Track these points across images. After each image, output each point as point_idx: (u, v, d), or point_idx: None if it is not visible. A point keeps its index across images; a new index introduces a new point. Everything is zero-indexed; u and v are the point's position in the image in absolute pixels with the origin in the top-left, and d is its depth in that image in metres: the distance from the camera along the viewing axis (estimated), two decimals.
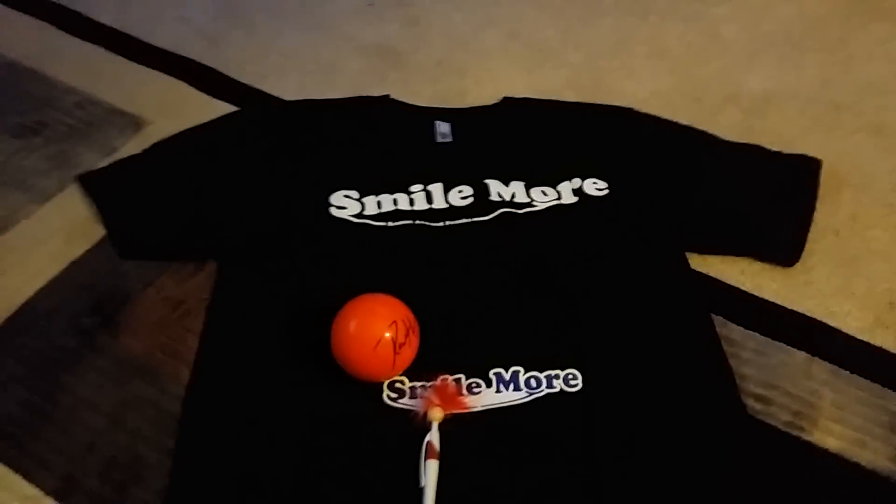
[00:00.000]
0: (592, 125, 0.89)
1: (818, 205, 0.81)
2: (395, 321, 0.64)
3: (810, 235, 0.79)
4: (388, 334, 0.63)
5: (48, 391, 0.68)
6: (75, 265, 0.77)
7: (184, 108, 0.92)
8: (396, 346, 0.64)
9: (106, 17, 1.05)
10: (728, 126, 0.90)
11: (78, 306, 0.74)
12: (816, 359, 0.70)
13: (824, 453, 0.64)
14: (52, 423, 0.66)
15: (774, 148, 0.86)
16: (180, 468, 0.62)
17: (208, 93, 0.95)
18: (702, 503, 0.60)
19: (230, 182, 0.81)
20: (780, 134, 0.89)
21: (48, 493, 0.62)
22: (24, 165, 0.86)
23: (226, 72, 0.98)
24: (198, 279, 0.75)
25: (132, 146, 0.88)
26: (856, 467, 0.63)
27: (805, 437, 0.65)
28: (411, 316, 0.66)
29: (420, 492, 0.59)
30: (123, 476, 0.62)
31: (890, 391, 0.67)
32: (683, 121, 0.90)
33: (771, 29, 1.04)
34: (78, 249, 0.78)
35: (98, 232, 0.79)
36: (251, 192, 0.80)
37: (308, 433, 0.64)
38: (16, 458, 0.63)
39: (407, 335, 0.64)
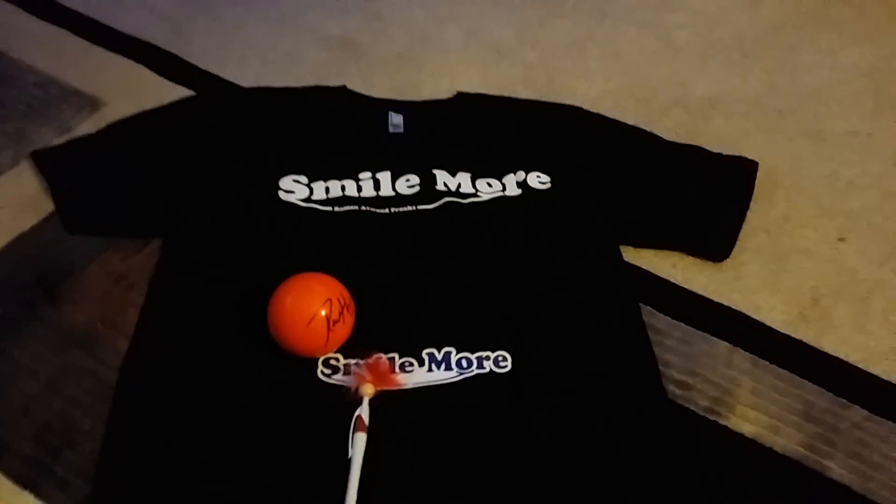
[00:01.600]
0: (540, 121, 0.91)
1: (753, 204, 0.84)
2: (329, 299, 0.66)
3: (742, 233, 0.81)
4: (322, 311, 0.65)
5: None
6: (22, 238, 0.78)
7: (141, 91, 0.93)
8: (330, 324, 0.65)
9: (71, 1, 1.06)
10: (673, 127, 0.93)
11: (22, 277, 0.75)
12: (738, 349, 0.72)
13: (739, 437, 0.66)
14: None
15: (716, 150, 0.89)
16: (113, 434, 0.63)
17: (167, 77, 0.96)
18: (624, 480, 0.62)
19: (181, 163, 0.83)
20: (722, 137, 0.92)
21: None
22: None
23: (187, 58, 0.99)
24: (142, 255, 0.77)
25: (88, 126, 0.89)
26: (769, 452, 0.65)
27: (722, 421, 0.67)
28: (347, 294, 0.68)
29: (348, 462, 0.61)
30: (57, 441, 0.64)
31: (807, 382, 0.70)
32: (631, 121, 0.92)
33: (723, 35, 1.07)
34: (26, 223, 0.79)
35: (47, 207, 0.81)
36: (201, 173, 0.82)
37: (241, 405, 0.65)
38: None
39: (341, 313, 0.66)
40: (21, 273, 0.75)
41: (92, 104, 0.92)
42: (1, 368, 0.68)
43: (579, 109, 0.93)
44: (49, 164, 0.84)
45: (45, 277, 0.75)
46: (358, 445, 0.62)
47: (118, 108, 0.91)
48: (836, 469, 0.65)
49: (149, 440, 0.63)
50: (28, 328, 0.71)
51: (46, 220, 0.79)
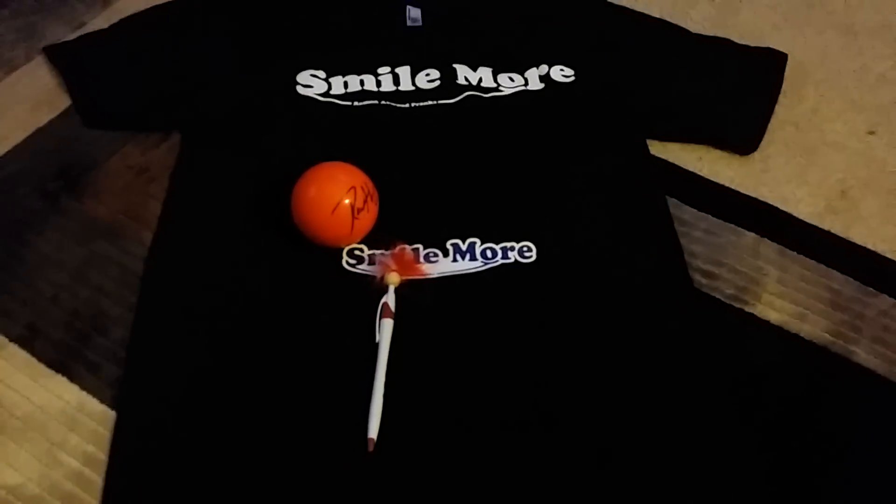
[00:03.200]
0: (564, 14, 0.89)
1: (781, 98, 0.82)
2: (353, 187, 0.65)
3: (770, 126, 0.80)
4: (346, 200, 0.65)
5: (13, 248, 0.69)
6: (41, 132, 0.77)
7: None
8: (354, 212, 0.65)
9: None
10: (700, 20, 0.90)
11: (44, 171, 0.74)
12: (765, 240, 0.71)
13: (765, 324, 0.66)
14: (17, 278, 0.67)
15: (744, 43, 0.87)
16: (142, 320, 0.64)
17: None
18: (648, 369, 0.63)
19: (197, 57, 0.81)
20: (750, 30, 0.90)
21: (12, 339, 0.63)
22: None
23: None
24: (162, 149, 0.76)
25: (100, 21, 0.87)
26: (795, 338, 0.65)
27: (748, 309, 0.67)
28: (370, 184, 0.67)
29: (375, 347, 0.61)
30: (87, 326, 0.64)
31: (834, 271, 0.69)
32: (656, 13, 0.90)
33: None
34: (44, 117, 0.78)
35: (64, 101, 0.80)
36: (218, 66, 0.80)
37: (268, 293, 0.65)
38: None
39: (365, 201, 0.66)
40: (42, 167, 0.75)
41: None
42: (28, 258, 0.68)
43: (604, 1, 0.90)
44: (64, 58, 0.83)
45: (67, 171, 0.74)
46: (385, 330, 0.62)
47: (130, 2, 0.89)
48: (862, 354, 0.65)
49: (176, 328, 0.63)
50: (52, 220, 0.71)
51: (64, 115, 0.79)
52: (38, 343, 0.63)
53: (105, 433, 0.59)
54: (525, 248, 0.68)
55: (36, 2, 0.90)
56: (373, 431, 0.57)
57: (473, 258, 0.68)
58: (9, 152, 0.76)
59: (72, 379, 0.62)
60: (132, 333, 0.63)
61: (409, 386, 0.60)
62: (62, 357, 0.63)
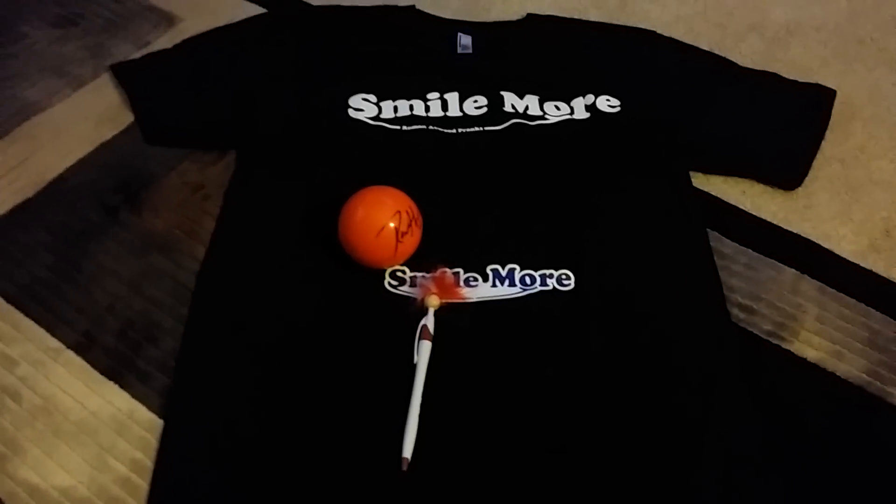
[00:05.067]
0: (612, 44, 0.90)
1: (828, 134, 0.82)
2: (399, 211, 0.67)
3: (816, 162, 0.80)
4: (391, 223, 0.67)
5: (73, 258, 0.72)
6: (104, 147, 0.81)
7: (215, 8, 0.95)
8: (399, 235, 0.67)
9: None
10: (749, 54, 0.91)
11: (104, 184, 0.78)
12: (805, 276, 0.72)
13: (802, 362, 0.66)
14: (76, 287, 0.70)
15: (792, 78, 0.87)
16: (192, 332, 0.67)
17: None
18: (684, 401, 0.63)
19: (254, 79, 0.84)
20: (799, 65, 0.90)
21: (69, 346, 0.67)
22: (62, 53, 0.90)
23: None
24: (218, 167, 0.79)
25: (164, 41, 0.91)
26: (831, 376, 0.65)
27: (785, 345, 0.67)
28: (415, 208, 0.69)
29: (413, 368, 0.63)
30: (139, 336, 0.67)
31: (873, 310, 0.69)
32: (705, 47, 0.91)
33: None
34: (107, 133, 0.82)
35: (127, 118, 0.83)
36: (273, 89, 0.83)
37: (311, 311, 0.67)
38: (41, 314, 0.68)
39: (410, 226, 0.68)
40: (103, 180, 0.78)
41: (168, 20, 0.94)
42: (86, 268, 0.72)
43: (652, 33, 0.91)
44: (129, 76, 0.87)
45: (127, 185, 0.78)
46: (423, 352, 0.64)
47: (193, 24, 0.93)
48: None
49: (225, 341, 0.66)
50: (111, 232, 0.74)
51: (126, 131, 0.82)
52: (94, 350, 0.66)
53: (153, 440, 0.61)
54: (564, 276, 0.69)
55: (105, 21, 0.94)
56: (407, 451, 0.59)
57: (512, 284, 0.69)
58: (73, 166, 0.79)
59: (123, 386, 0.64)
60: (182, 345, 0.66)
61: (444, 408, 0.61)
62: (115, 365, 0.66)
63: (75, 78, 0.88)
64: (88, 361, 0.66)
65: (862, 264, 0.73)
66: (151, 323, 0.68)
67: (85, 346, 0.67)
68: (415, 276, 0.69)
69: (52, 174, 0.79)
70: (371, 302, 0.68)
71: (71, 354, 0.66)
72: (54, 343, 0.67)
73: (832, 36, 0.94)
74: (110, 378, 0.65)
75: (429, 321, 0.66)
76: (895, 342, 0.67)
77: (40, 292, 0.70)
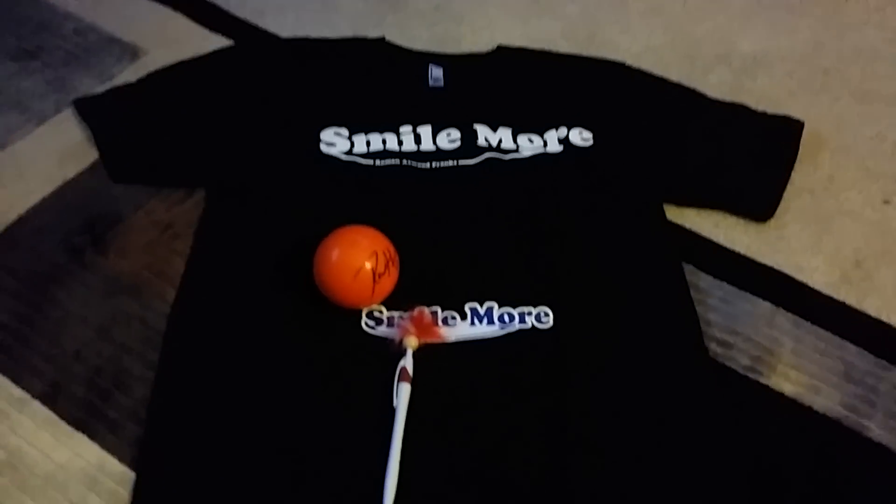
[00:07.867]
0: (583, 76, 0.90)
1: (797, 165, 0.83)
2: (375, 252, 0.66)
3: (786, 194, 0.81)
4: (368, 264, 0.66)
5: (37, 303, 0.70)
6: (68, 186, 0.79)
7: (181, 40, 0.93)
8: (376, 276, 0.66)
9: None
10: (717, 85, 0.92)
11: (69, 225, 0.76)
12: (781, 309, 0.72)
13: (780, 396, 0.66)
14: (41, 333, 0.68)
15: (760, 109, 0.88)
16: (163, 379, 0.65)
17: (206, 26, 0.96)
18: (663, 437, 0.63)
19: (222, 113, 0.83)
20: (767, 96, 0.91)
21: (35, 396, 0.65)
22: (22, 87, 0.88)
23: (225, 7, 0.99)
24: (187, 205, 0.77)
25: (128, 74, 0.89)
26: (808, 411, 0.66)
27: (762, 380, 0.67)
28: (392, 248, 0.68)
29: (393, 411, 0.62)
30: (108, 384, 0.65)
31: (848, 343, 0.70)
32: (674, 77, 0.91)
33: None
34: (71, 171, 0.80)
35: (91, 155, 0.81)
36: (243, 124, 0.82)
37: (287, 354, 0.66)
38: (5, 363, 0.66)
39: (387, 266, 0.67)
40: (68, 221, 0.76)
41: (132, 53, 0.92)
42: (52, 313, 0.69)
43: (622, 65, 0.91)
44: (92, 112, 0.85)
45: (92, 226, 0.76)
46: (403, 395, 0.63)
47: (158, 56, 0.91)
48: (876, 429, 0.65)
49: (197, 387, 0.64)
50: (77, 275, 0.72)
51: (91, 169, 0.80)
52: (61, 400, 0.64)
53: (124, 494, 0.60)
54: (542, 314, 0.69)
55: (66, 54, 0.92)
56: (388, 500, 0.58)
57: (491, 322, 0.69)
58: (35, 205, 0.77)
59: (92, 437, 0.62)
60: (153, 393, 0.64)
61: (425, 455, 0.60)
62: (84, 415, 0.64)
63: (36, 113, 0.85)
64: (56, 412, 0.64)
65: (835, 296, 0.74)
66: (121, 370, 0.66)
67: (52, 396, 0.64)
68: (392, 316, 0.68)
69: (13, 215, 0.76)
70: (348, 344, 0.67)
71: (37, 405, 0.64)
72: (19, 393, 0.65)
73: (798, 66, 0.95)
74: (79, 429, 0.63)
75: (407, 363, 0.65)
76: (870, 375, 0.68)
77: (4, 340, 0.68)
